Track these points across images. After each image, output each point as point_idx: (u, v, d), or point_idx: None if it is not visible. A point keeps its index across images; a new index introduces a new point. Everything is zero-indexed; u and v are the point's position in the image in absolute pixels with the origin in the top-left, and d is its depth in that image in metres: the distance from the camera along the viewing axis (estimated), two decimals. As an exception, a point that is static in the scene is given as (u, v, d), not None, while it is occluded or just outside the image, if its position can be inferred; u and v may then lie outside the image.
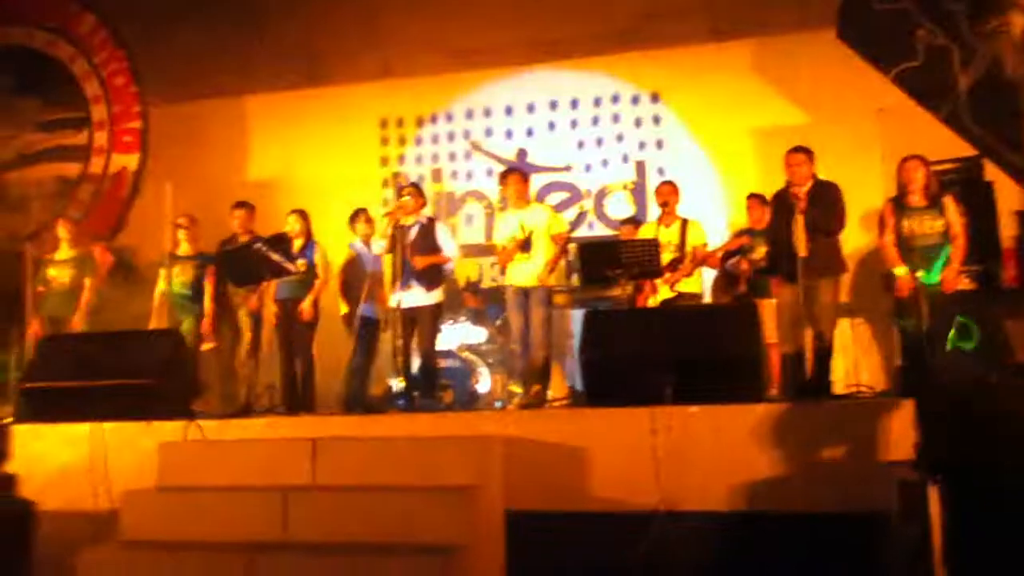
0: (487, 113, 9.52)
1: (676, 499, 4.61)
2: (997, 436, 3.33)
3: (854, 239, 6.73)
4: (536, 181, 8.66)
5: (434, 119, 9.66)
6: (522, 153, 9.35)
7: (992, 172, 7.13)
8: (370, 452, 4.81)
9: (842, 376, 6.46)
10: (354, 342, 7.33)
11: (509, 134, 9.46)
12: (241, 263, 6.84)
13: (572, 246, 7.32)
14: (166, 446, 5.06)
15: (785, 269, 5.92)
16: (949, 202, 5.91)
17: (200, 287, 7.32)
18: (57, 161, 10.29)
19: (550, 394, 6.77)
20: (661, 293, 6.95)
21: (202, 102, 9.68)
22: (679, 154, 8.89)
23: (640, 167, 9.08)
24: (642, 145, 9.10)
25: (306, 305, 7.11)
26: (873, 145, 7.62)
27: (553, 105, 9.35)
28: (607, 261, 6.40)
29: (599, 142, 9.23)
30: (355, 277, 7.42)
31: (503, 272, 7.10)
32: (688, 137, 8.92)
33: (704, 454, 4.68)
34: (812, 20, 7.99)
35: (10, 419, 5.95)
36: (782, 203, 5.98)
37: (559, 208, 8.89)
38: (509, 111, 9.46)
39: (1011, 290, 6.70)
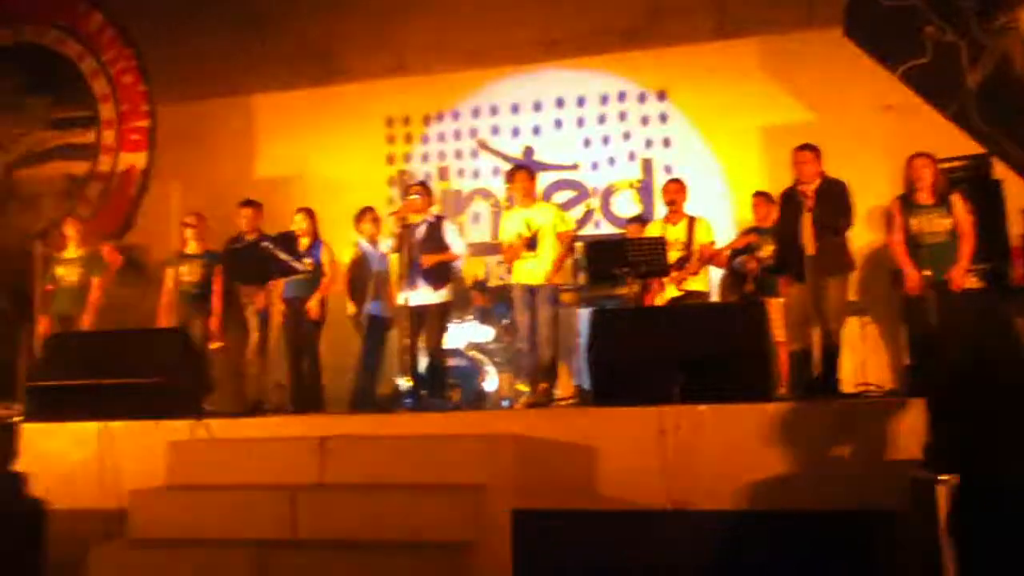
0: (494, 111, 9.52)
1: (684, 498, 4.61)
2: (1007, 435, 3.32)
3: (861, 237, 6.71)
4: (543, 179, 8.66)
5: (440, 117, 9.65)
6: (528, 151, 9.35)
7: (1000, 170, 7.10)
8: (378, 451, 4.83)
9: (850, 375, 6.44)
10: (362, 341, 7.35)
11: (516, 132, 9.45)
12: (248, 262, 6.86)
13: (579, 245, 7.32)
14: (175, 445, 5.09)
15: (793, 267, 5.92)
16: (957, 200, 5.90)
17: (208, 286, 7.34)
18: (66, 159, 10.31)
19: (557, 393, 6.78)
20: (668, 292, 6.95)
21: (209, 101, 9.69)
22: (686, 152, 8.87)
23: (647, 165, 9.07)
24: (649, 143, 9.09)
25: (313, 304, 7.12)
26: (880, 143, 7.61)
27: (560, 103, 9.34)
28: (614, 260, 6.40)
29: (606, 140, 9.22)
30: (361, 276, 7.44)
31: (510, 271, 7.11)
32: (695, 135, 8.90)
33: (712, 453, 4.67)
34: (819, 18, 7.98)
35: (19, 417, 5.97)
36: (790, 201, 5.98)
37: (566, 206, 8.87)
38: (516, 109, 9.46)
39: (1020, 288, 6.67)
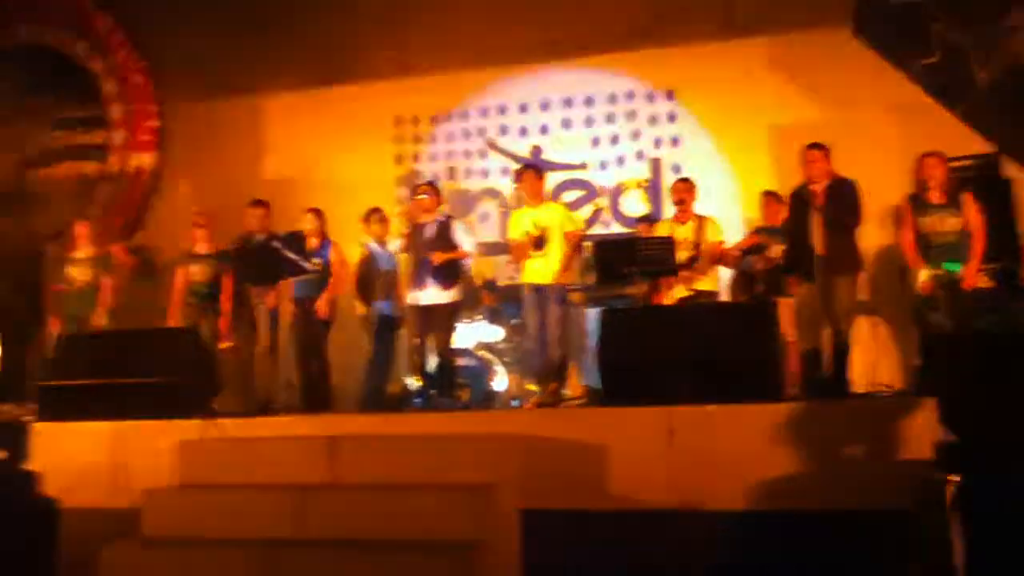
0: (502, 111, 9.52)
1: (694, 498, 4.61)
2: (1019, 435, 3.32)
3: (871, 236, 6.70)
4: (551, 179, 8.65)
5: (449, 117, 9.66)
6: (537, 151, 9.35)
7: (1010, 169, 7.08)
8: (388, 450, 4.83)
9: (861, 375, 6.43)
10: (372, 340, 7.36)
11: (524, 132, 9.46)
12: (258, 262, 6.88)
13: (587, 244, 7.32)
14: (186, 444, 5.10)
15: (802, 267, 5.91)
16: (968, 199, 5.88)
17: (218, 285, 7.36)
18: (76, 160, 10.35)
19: (567, 393, 6.77)
20: (677, 291, 6.94)
21: (219, 101, 9.72)
22: (694, 151, 8.86)
23: (655, 164, 9.07)
24: (657, 142, 9.08)
25: (322, 303, 7.14)
26: (890, 142, 7.59)
27: (568, 102, 9.34)
28: (623, 259, 6.39)
29: (614, 139, 9.22)
30: (369, 276, 7.45)
31: (518, 270, 7.11)
32: (703, 134, 8.89)
33: (722, 453, 4.67)
34: (828, 16, 7.95)
35: (32, 417, 6.00)
36: (799, 200, 5.96)
37: (574, 206, 8.88)
38: (524, 109, 9.46)
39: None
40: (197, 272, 7.43)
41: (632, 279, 6.52)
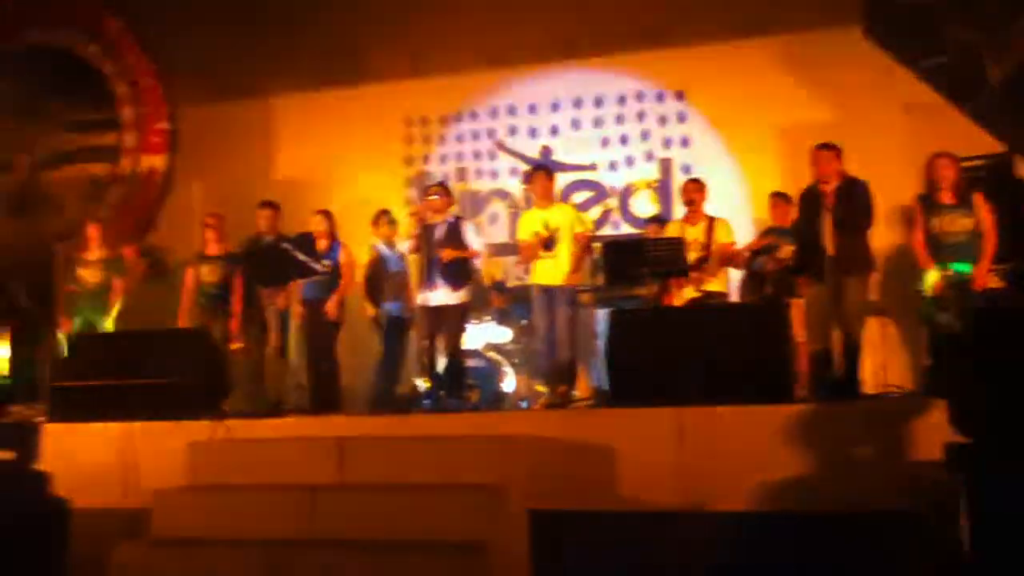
0: (511, 111, 9.53)
1: (703, 499, 4.60)
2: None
3: (882, 237, 6.67)
4: (561, 179, 8.65)
5: (458, 118, 9.67)
6: (546, 151, 9.35)
7: (1022, 169, 7.05)
8: (397, 451, 4.84)
9: (871, 376, 6.40)
10: (382, 341, 7.37)
11: (533, 132, 9.46)
12: (268, 263, 6.90)
13: (597, 245, 7.32)
14: (196, 445, 5.12)
15: (813, 267, 5.89)
16: (979, 199, 5.86)
17: (228, 286, 7.38)
18: (87, 162, 10.39)
19: (575, 394, 6.77)
20: (686, 292, 6.91)
21: (229, 103, 9.75)
22: (704, 152, 8.85)
23: (665, 165, 9.06)
24: (667, 143, 9.07)
25: (331, 305, 7.15)
26: (901, 142, 7.56)
27: (577, 103, 9.34)
28: (633, 260, 6.38)
29: (624, 140, 9.21)
30: (378, 278, 7.46)
31: (527, 271, 7.11)
32: (713, 135, 8.87)
33: (731, 454, 4.66)
34: (838, 16, 7.93)
35: (43, 418, 6.03)
36: (810, 200, 5.95)
37: (584, 206, 8.88)
38: (533, 109, 9.47)
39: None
40: (208, 273, 7.45)
41: (642, 280, 6.51)
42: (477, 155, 9.63)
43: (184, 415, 5.48)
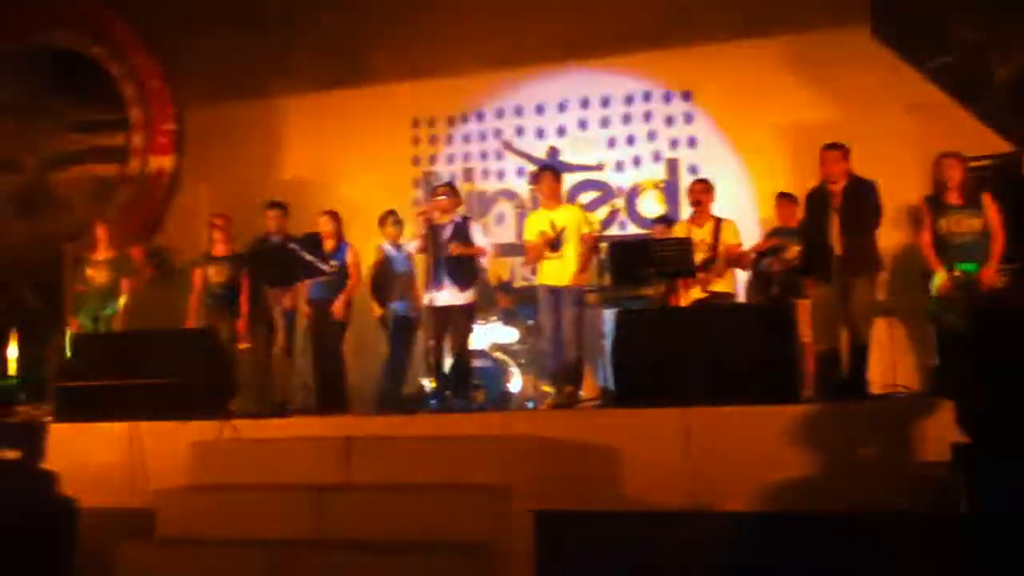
0: (518, 112, 9.52)
1: (709, 499, 4.59)
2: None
3: (889, 237, 6.64)
4: (567, 180, 8.64)
5: (465, 118, 9.67)
6: (553, 152, 9.34)
7: (1030, 169, 7.02)
8: (403, 451, 4.85)
9: (878, 376, 6.38)
10: (388, 342, 7.38)
11: (540, 133, 9.45)
12: (275, 263, 6.91)
13: (603, 245, 7.31)
14: (201, 445, 5.13)
15: (820, 268, 5.88)
16: (987, 199, 5.84)
17: (235, 287, 7.39)
18: (95, 162, 10.44)
19: (582, 394, 6.76)
20: (693, 293, 6.90)
21: (236, 103, 9.76)
22: (711, 152, 8.82)
23: (672, 165, 9.04)
24: (674, 143, 9.05)
25: (338, 305, 7.16)
26: (908, 142, 7.54)
27: (584, 103, 9.32)
28: (639, 260, 6.37)
29: (631, 140, 9.19)
30: (385, 278, 7.47)
31: (534, 271, 7.10)
32: (720, 135, 8.85)
33: (737, 455, 4.65)
34: (845, 16, 7.91)
35: (49, 417, 6.05)
36: (817, 200, 5.93)
37: (590, 207, 8.87)
38: (540, 110, 9.46)
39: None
40: (215, 273, 7.46)
41: (648, 280, 6.49)
42: (484, 155, 9.62)
43: (190, 415, 5.49)
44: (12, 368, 7.90)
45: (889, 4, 7.23)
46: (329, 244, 7.28)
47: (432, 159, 9.71)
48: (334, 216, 7.44)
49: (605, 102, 9.26)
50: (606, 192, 9.20)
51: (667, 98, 9.08)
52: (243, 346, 7.43)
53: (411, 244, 7.17)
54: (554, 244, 6.69)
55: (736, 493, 4.60)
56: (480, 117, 9.61)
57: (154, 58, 10.36)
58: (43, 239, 9.63)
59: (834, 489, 4.50)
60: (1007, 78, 6.84)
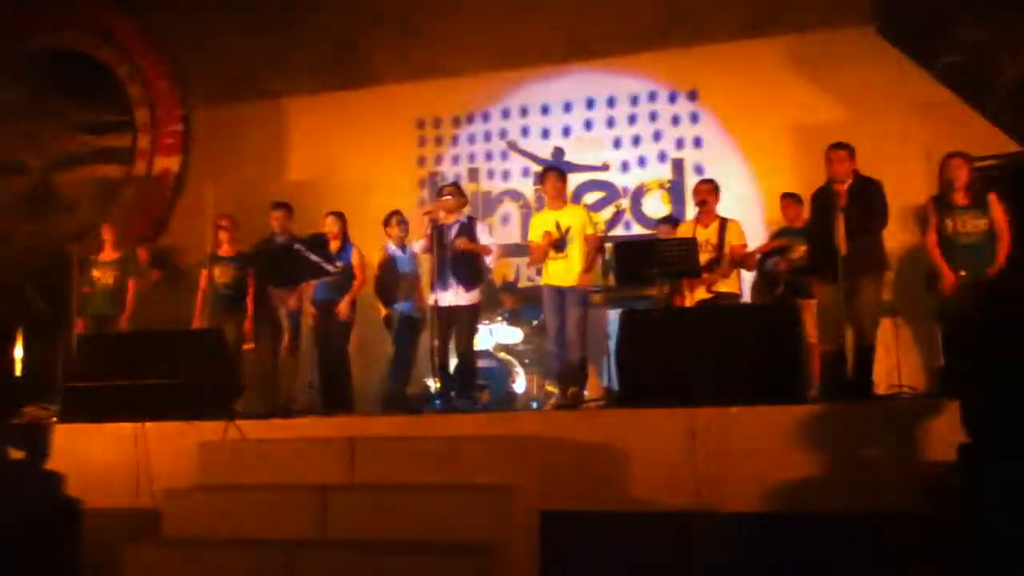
0: (524, 112, 9.51)
1: (714, 500, 4.58)
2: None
3: (895, 237, 6.63)
4: (573, 180, 8.63)
5: (471, 119, 9.67)
6: (558, 152, 9.33)
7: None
8: (407, 451, 4.84)
9: (884, 376, 6.37)
10: (393, 342, 7.38)
11: (545, 133, 9.45)
12: (280, 264, 6.91)
13: (608, 245, 7.30)
14: (207, 445, 5.13)
15: (825, 268, 5.86)
16: (994, 200, 5.82)
17: (241, 287, 7.41)
18: (101, 163, 10.47)
19: (586, 394, 6.75)
20: (697, 294, 6.89)
21: (242, 104, 9.80)
22: (717, 152, 8.81)
23: (677, 165, 9.03)
24: (679, 143, 9.04)
25: (343, 306, 7.17)
26: (914, 141, 7.51)
27: (590, 104, 9.31)
28: (644, 260, 6.36)
29: (636, 140, 9.19)
30: (389, 279, 7.47)
31: (539, 272, 7.10)
32: (726, 135, 8.84)
33: (742, 455, 4.64)
34: (850, 15, 7.89)
35: (55, 418, 6.06)
36: (823, 200, 5.92)
37: (596, 207, 8.87)
38: (545, 110, 9.45)
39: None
40: (220, 274, 7.48)
41: (653, 281, 6.48)
42: (489, 156, 9.62)
43: (196, 416, 5.49)
44: (18, 369, 7.92)
45: (895, 3, 7.21)
46: (334, 245, 7.29)
47: (437, 159, 9.71)
48: (339, 217, 7.46)
49: (610, 102, 9.26)
50: (611, 192, 9.19)
51: (672, 98, 9.07)
52: (248, 347, 7.44)
53: (416, 244, 7.17)
54: (559, 244, 6.69)
55: (741, 493, 4.59)
56: (485, 117, 9.62)
57: (160, 59, 10.38)
58: (49, 240, 9.65)
59: (839, 490, 4.49)
60: (1015, 77, 6.81)
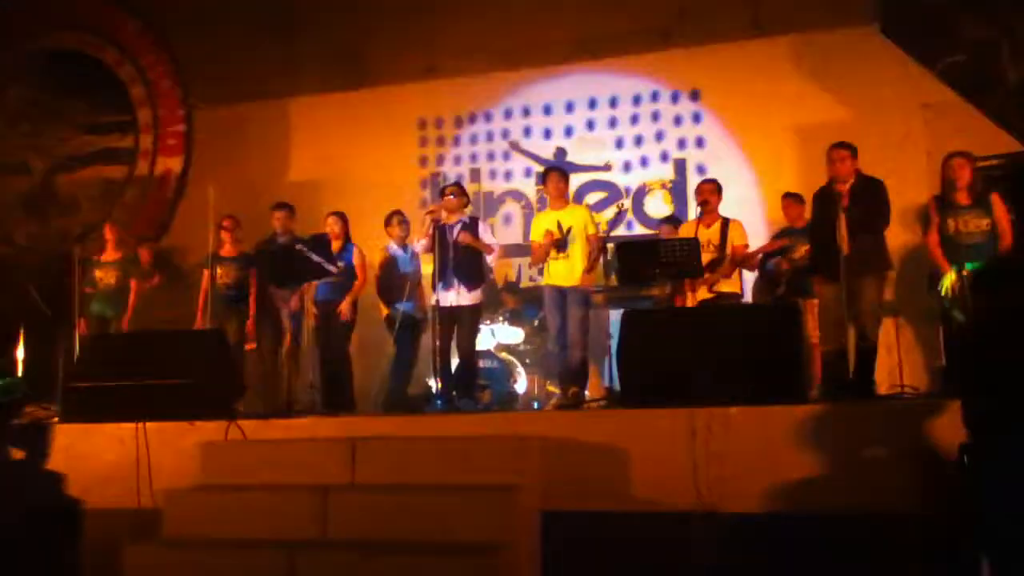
0: (526, 112, 9.51)
1: (715, 500, 4.57)
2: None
3: (897, 237, 6.62)
4: (575, 180, 8.63)
5: (473, 119, 9.67)
6: (560, 152, 9.33)
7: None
8: (408, 452, 4.84)
9: (885, 376, 6.36)
10: (394, 342, 7.38)
11: (548, 133, 9.44)
12: (283, 264, 6.92)
13: (610, 245, 7.29)
14: (208, 445, 5.13)
15: (827, 267, 5.85)
16: (996, 200, 5.81)
17: (243, 287, 7.42)
18: (104, 164, 10.48)
19: (588, 394, 6.75)
20: (699, 294, 6.88)
21: (244, 105, 9.81)
22: (719, 152, 8.81)
23: (680, 165, 9.02)
24: (682, 143, 9.03)
25: (345, 306, 7.18)
26: (917, 141, 7.51)
27: (592, 104, 9.31)
28: (645, 260, 6.35)
29: (638, 141, 9.18)
30: (390, 279, 7.47)
31: (541, 272, 7.10)
32: (728, 135, 8.83)
33: (744, 455, 4.62)
34: (853, 15, 7.88)
35: (56, 418, 6.06)
36: (825, 200, 5.90)
37: (598, 207, 8.86)
38: (548, 110, 9.45)
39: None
40: (222, 274, 7.49)
41: (655, 281, 6.48)
42: (491, 156, 9.62)
43: (197, 415, 5.48)
44: (20, 369, 7.92)
45: (897, 3, 7.20)
46: (336, 245, 7.29)
47: (439, 160, 9.71)
48: (342, 217, 7.46)
49: (613, 102, 9.26)
50: (613, 192, 9.19)
51: (675, 98, 9.07)
52: (250, 347, 7.44)
53: (418, 243, 7.17)
54: (561, 244, 6.68)
55: (743, 494, 4.58)
56: (487, 118, 9.62)
57: (162, 60, 10.39)
58: (51, 241, 9.68)
59: (840, 490, 4.47)
60: (1017, 77, 6.80)
